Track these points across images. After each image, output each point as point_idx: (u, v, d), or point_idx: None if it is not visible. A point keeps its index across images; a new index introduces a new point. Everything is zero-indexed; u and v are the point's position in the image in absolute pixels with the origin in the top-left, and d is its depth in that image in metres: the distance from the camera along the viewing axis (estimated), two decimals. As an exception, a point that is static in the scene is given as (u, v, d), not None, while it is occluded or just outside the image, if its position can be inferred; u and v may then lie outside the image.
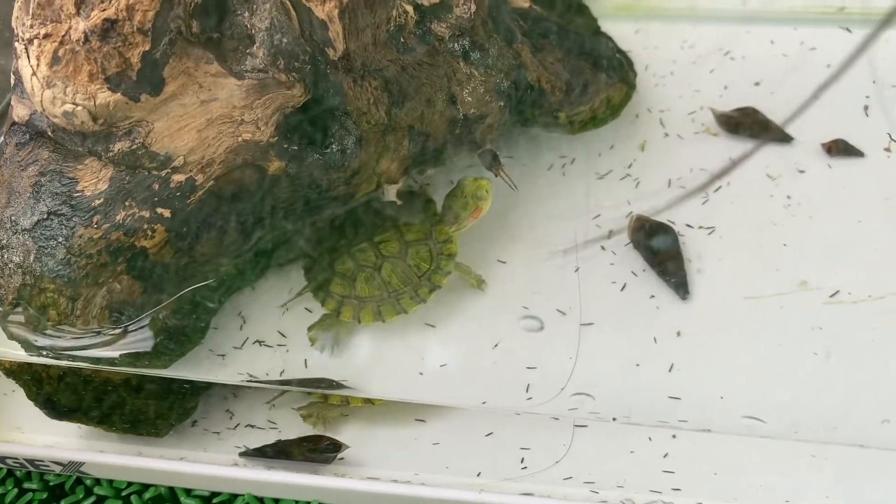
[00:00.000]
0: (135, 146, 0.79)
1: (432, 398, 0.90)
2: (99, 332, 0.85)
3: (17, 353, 0.86)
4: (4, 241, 0.84)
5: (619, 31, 1.21)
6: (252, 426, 0.95)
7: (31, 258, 0.83)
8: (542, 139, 1.10)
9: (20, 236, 0.83)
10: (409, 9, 0.83)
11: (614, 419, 0.84)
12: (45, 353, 0.85)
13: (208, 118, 0.80)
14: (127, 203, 0.81)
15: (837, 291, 0.93)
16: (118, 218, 0.81)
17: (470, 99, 0.92)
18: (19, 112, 0.82)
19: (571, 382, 0.89)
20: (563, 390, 0.88)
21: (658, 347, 0.91)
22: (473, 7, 0.87)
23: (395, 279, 0.92)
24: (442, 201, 0.99)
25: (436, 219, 0.97)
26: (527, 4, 1.01)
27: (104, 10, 0.73)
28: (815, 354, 0.89)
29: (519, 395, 0.89)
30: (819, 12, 1.23)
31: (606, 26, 1.21)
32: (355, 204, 0.96)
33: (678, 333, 0.92)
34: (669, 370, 0.90)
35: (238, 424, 0.96)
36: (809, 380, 0.88)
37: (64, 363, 0.87)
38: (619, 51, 1.09)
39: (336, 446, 0.89)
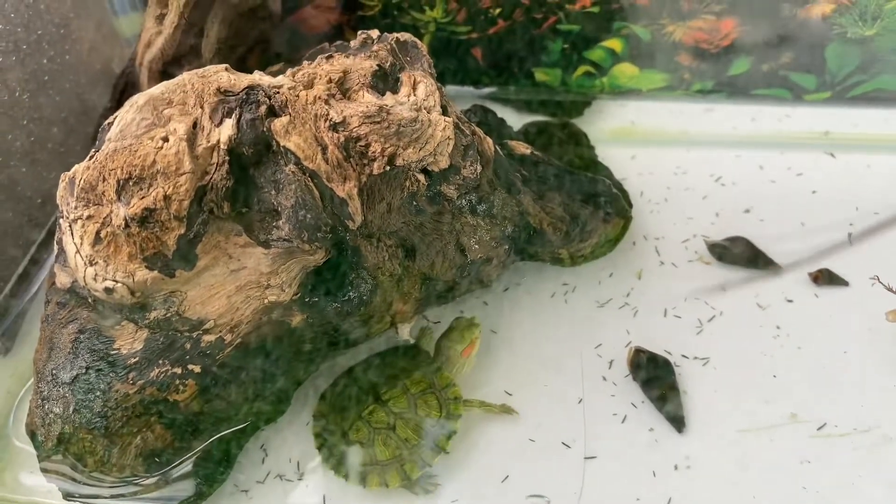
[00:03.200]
0: (169, 314, 0.86)
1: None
2: (133, 481, 0.91)
3: (55, 503, 0.92)
4: (45, 393, 0.90)
5: (616, 156, 1.29)
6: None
7: (71, 409, 0.89)
8: (546, 266, 1.16)
9: (60, 389, 0.90)
10: (421, 177, 0.90)
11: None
12: (82, 501, 0.91)
13: (237, 285, 0.86)
14: (160, 361, 0.88)
15: (825, 424, 0.99)
16: (152, 375, 0.88)
17: (477, 246, 0.99)
18: (61, 279, 0.89)
19: (576, 517, 0.94)
20: (569, 526, 0.94)
21: (657, 481, 0.96)
22: (479, 168, 0.94)
23: (411, 434, 0.96)
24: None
25: (434, 367, 1.02)
26: (527, 150, 1.09)
27: (143, 198, 0.80)
28: (805, 489, 0.94)
29: (526, 529, 0.95)
30: (804, 137, 1.30)
31: (603, 152, 1.29)
32: (370, 340, 1.03)
33: (675, 467, 0.97)
34: (668, 504, 0.95)
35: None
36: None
37: (99, 509, 0.93)
38: (617, 185, 1.16)
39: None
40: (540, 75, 1.36)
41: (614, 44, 1.30)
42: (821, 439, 0.98)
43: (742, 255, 1.15)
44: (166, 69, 1.09)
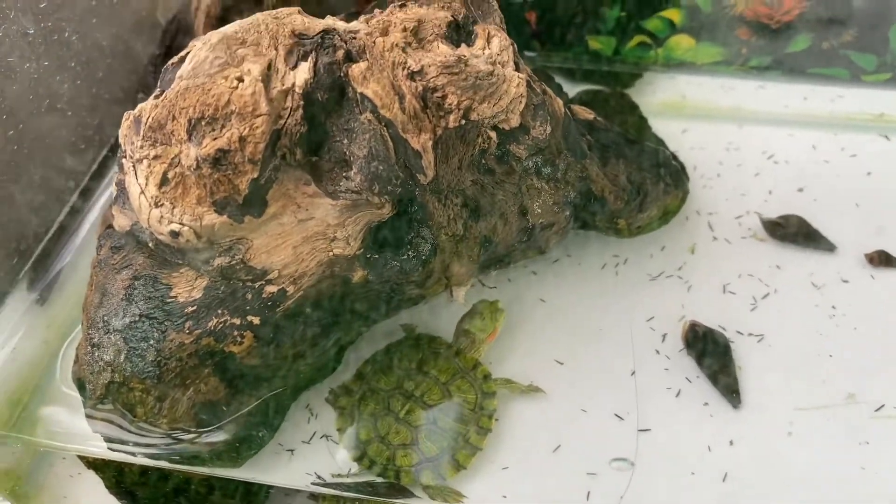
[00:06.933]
0: (234, 261, 0.83)
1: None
2: (182, 432, 0.88)
3: (97, 450, 0.89)
4: (96, 340, 0.88)
5: (667, 129, 1.27)
6: (318, 518, 0.98)
7: (122, 357, 0.86)
8: (593, 238, 1.14)
9: (112, 336, 0.87)
10: (493, 134, 0.87)
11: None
12: (127, 450, 0.88)
13: (304, 235, 0.84)
14: (219, 311, 0.85)
15: (883, 406, 0.97)
16: (210, 325, 0.85)
17: (540, 210, 0.97)
18: (120, 222, 0.86)
19: (630, 491, 0.93)
20: (623, 499, 0.92)
21: (712, 456, 0.95)
22: (549, 129, 0.91)
23: (453, 423, 0.93)
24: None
25: (451, 351, 0.99)
26: (591, 116, 1.06)
27: (215, 138, 0.77)
28: (864, 470, 0.93)
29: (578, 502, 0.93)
30: (858, 118, 1.28)
31: (654, 124, 1.26)
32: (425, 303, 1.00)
33: (731, 442, 0.96)
34: (723, 480, 0.93)
35: (304, 516, 0.98)
36: (858, 496, 0.91)
37: (142, 460, 0.90)
38: (675, 158, 1.14)
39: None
40: (593, 43, 1.33)
41: (673, 14, 1.27)
42: (880, 420, 0.96)
43: (797, 233, 1.13)
44: (224, 15, 1.06)
